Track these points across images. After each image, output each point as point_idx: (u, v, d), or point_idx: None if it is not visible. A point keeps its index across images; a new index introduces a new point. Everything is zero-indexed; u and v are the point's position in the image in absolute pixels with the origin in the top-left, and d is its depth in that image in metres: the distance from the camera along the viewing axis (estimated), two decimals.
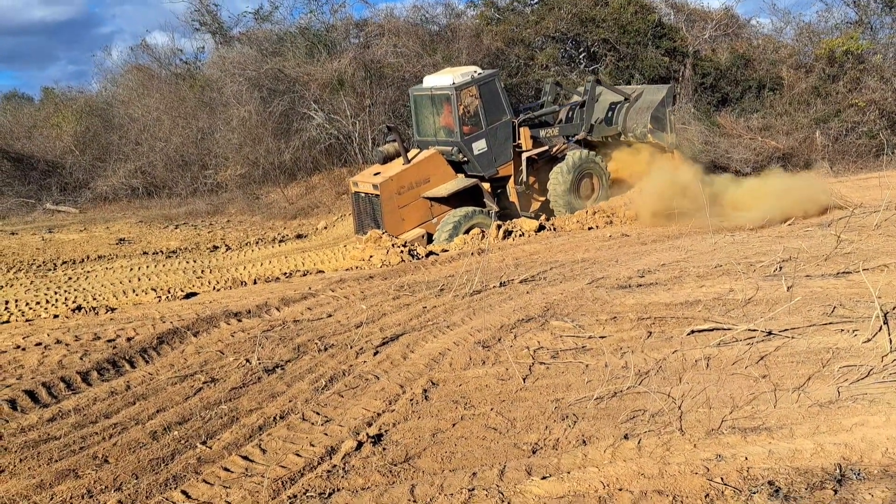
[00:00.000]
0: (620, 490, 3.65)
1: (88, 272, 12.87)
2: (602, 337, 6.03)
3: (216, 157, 20.84)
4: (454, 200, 13.24)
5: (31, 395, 5.17)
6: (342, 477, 4.02)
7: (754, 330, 5.73)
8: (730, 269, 7.93)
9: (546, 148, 14.30)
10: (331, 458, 4.24)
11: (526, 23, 23.34)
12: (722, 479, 3.65)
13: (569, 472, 3.86)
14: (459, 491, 3.76)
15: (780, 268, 7.74)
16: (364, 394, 5.20)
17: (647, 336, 5.97)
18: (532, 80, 21.98)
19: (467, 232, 12.68)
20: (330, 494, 3.83)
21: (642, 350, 5.66)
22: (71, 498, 3.90)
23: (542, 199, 14.43)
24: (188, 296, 8.74)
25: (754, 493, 3.50)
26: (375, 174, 13.37)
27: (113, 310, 8.07)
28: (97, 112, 23.16)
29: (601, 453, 4.04)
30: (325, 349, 6.12)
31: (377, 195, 12.91)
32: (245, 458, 4.31)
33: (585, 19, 22.88)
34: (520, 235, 12.40)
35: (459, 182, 13.41)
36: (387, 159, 13.63)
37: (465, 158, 13.53)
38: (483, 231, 12.37)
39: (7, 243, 15.20)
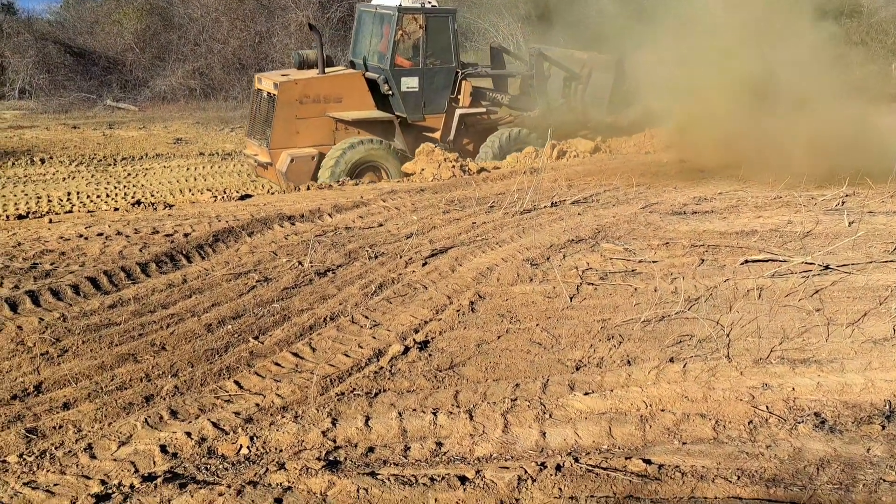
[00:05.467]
0: (663, 411, 3.68)
1: (147, 169, 13.10)
2: (653, 262, 5.98)
3: (273, 61, 20.73)
4: (365, 129, 11.61)
5: (93, 281, 5.36)
6: (388, 379, 4.13)
7: (811, 263, 5.62)
8: (790, 200, 7.73)
9: (483, 110, 12.76)
10: (378, 361, 4.34)
11: None
12: (767, 407, 3.65)
13: (612, 390, 3.89)
14: (502, 400, 3.83)
15: (843, 202, 7.52)
16: (412, 302, 5.27)
17: (700, 263, 5.90)
18: None
19: (357, 171, 11.15)
20: (376, 394, 3.94)
21: (693, 277, 5.60)
22: (130, 380, 4.08)
23: None
24: (243, 197, 8.87)
25: (799, 422, 3.50)
26: (283, 75, 11.73)
27: (170, 206, 8.24)
28: (157, 10, 23.10)
29: (645, 374, 4.06)
30: (376, 257, 6.19)
31: (275, 95, 11.16)
32: (295, 354, 4.44)
33: None
34: (574, 156, 12.20)
35: (375, 112, 11.78)
36: (303, 65, 11.90)
37: (392, 92, 11.97)
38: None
39: (69, 136, 15.52)
